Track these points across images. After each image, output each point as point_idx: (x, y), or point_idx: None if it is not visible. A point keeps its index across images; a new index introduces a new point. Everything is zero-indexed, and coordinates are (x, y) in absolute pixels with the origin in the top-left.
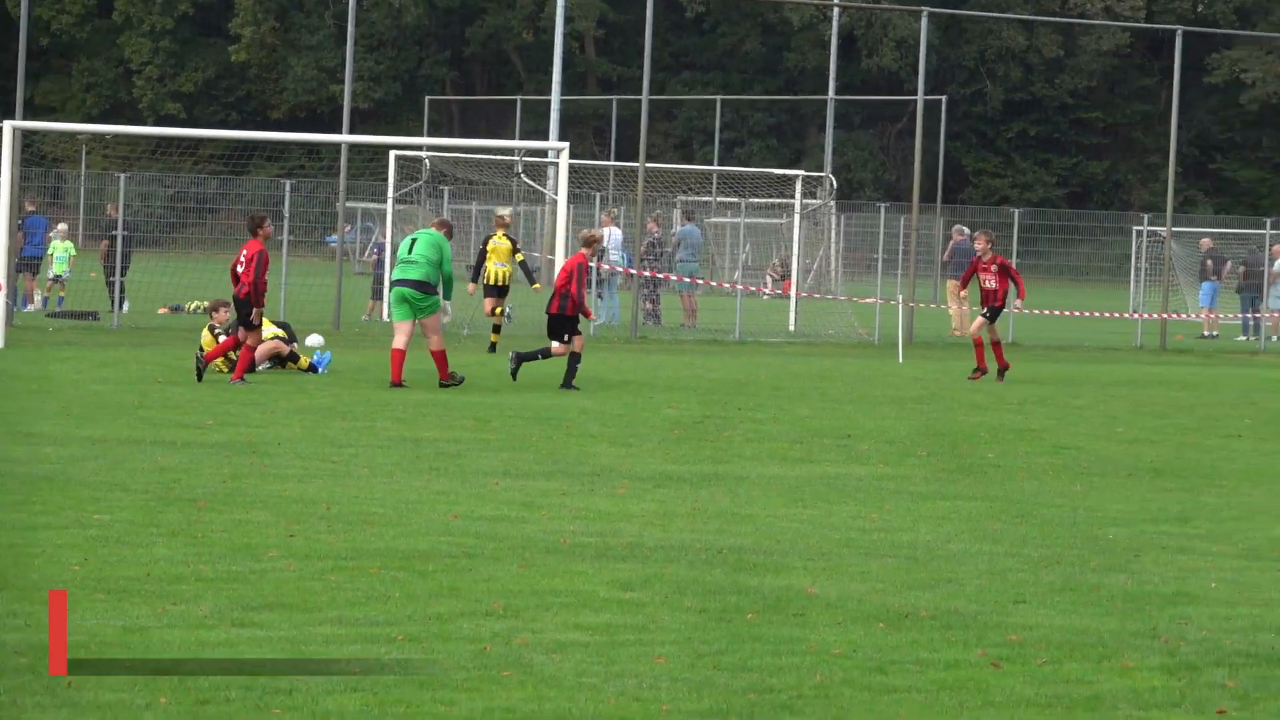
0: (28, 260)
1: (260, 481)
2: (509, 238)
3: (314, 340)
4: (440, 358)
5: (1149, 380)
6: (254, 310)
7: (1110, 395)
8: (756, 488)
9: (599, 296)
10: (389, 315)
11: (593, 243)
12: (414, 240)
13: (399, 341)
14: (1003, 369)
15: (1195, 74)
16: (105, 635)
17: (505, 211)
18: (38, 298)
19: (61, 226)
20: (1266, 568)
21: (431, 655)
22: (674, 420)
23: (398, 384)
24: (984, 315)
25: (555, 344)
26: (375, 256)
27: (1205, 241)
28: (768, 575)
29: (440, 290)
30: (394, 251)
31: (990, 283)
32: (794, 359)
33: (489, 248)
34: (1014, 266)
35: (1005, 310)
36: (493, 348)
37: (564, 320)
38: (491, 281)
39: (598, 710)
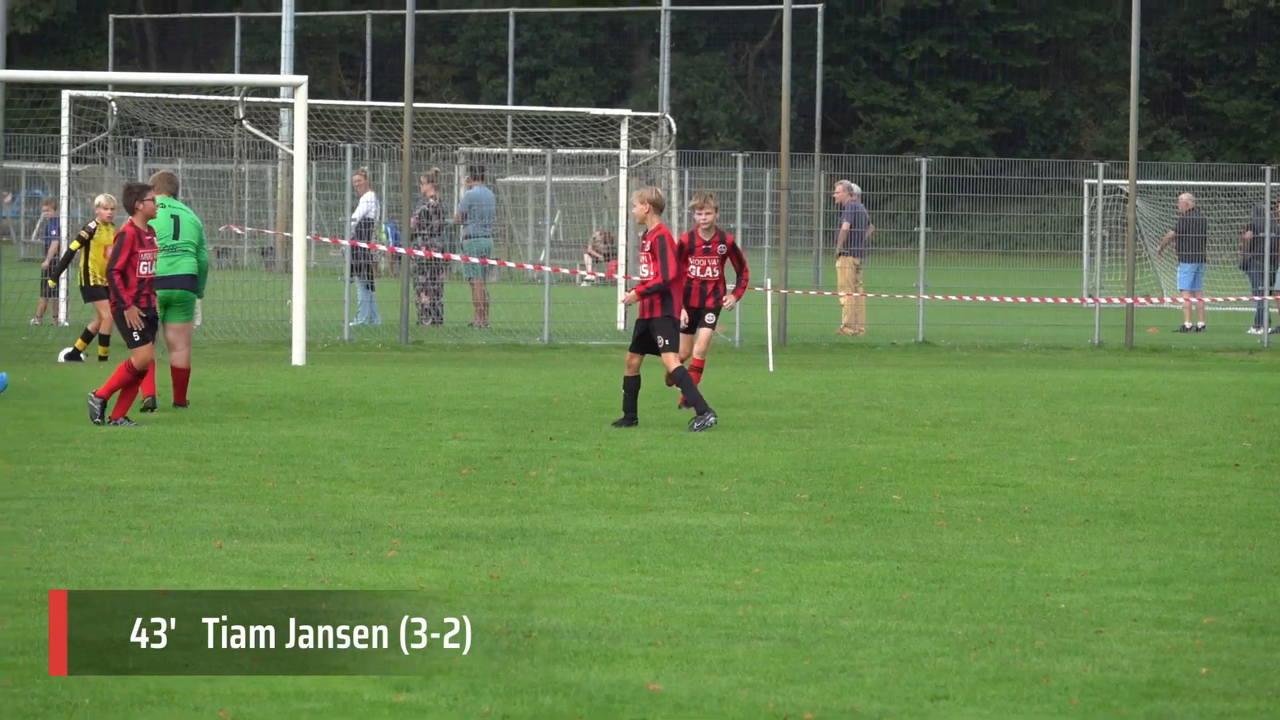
0: None
1: None
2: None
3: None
4: (184, 377)
5: (1111, 391)
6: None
7: (1059, 412)
8: (577, 546)
9: (367, 287)
10: (65, 318)
11: (661, 205)
12: (175, 219)
13: (180, 359)
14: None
15: None
16: None
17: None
18: None
19: None
20: (1276, 645)
21: None
22: (462, 456)
23: (183, 404)
24: (708, 323)
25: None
26: (57, 238)
27: (1185, 199)
28: (595, 667)
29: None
30: (69, 230)
31: (711, 271)
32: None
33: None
34: (739, 246)
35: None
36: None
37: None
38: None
39: None
